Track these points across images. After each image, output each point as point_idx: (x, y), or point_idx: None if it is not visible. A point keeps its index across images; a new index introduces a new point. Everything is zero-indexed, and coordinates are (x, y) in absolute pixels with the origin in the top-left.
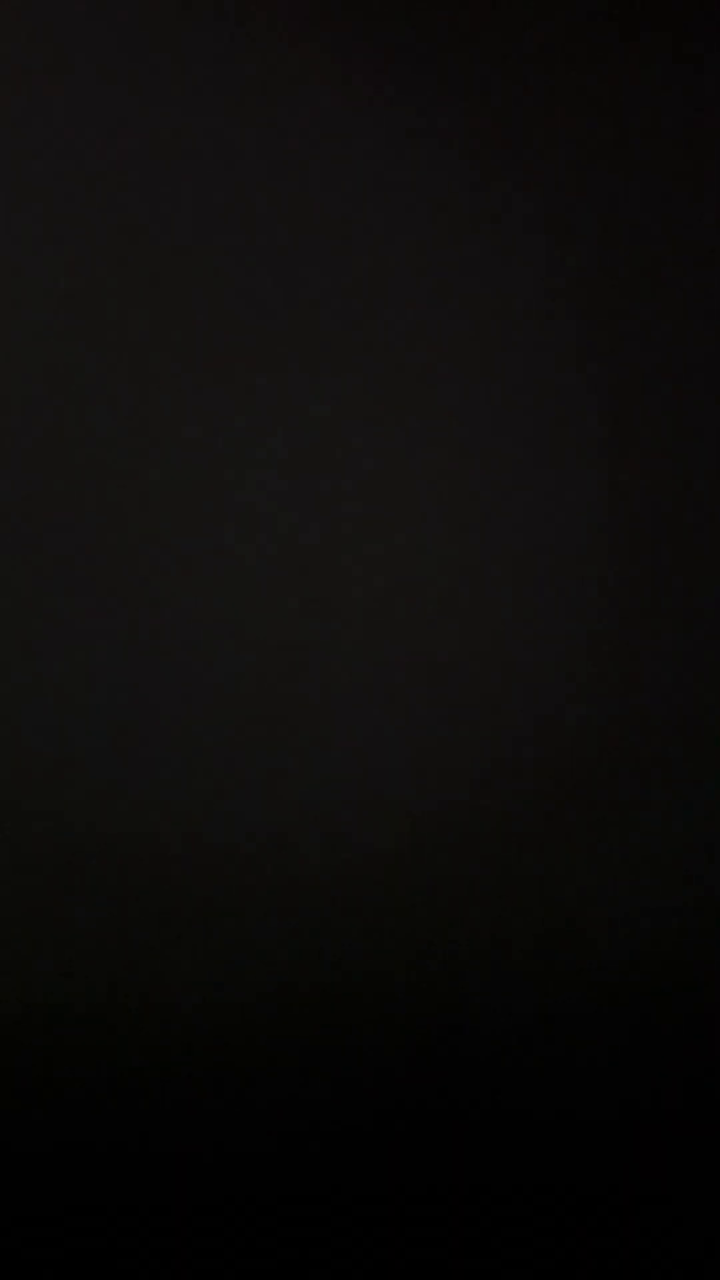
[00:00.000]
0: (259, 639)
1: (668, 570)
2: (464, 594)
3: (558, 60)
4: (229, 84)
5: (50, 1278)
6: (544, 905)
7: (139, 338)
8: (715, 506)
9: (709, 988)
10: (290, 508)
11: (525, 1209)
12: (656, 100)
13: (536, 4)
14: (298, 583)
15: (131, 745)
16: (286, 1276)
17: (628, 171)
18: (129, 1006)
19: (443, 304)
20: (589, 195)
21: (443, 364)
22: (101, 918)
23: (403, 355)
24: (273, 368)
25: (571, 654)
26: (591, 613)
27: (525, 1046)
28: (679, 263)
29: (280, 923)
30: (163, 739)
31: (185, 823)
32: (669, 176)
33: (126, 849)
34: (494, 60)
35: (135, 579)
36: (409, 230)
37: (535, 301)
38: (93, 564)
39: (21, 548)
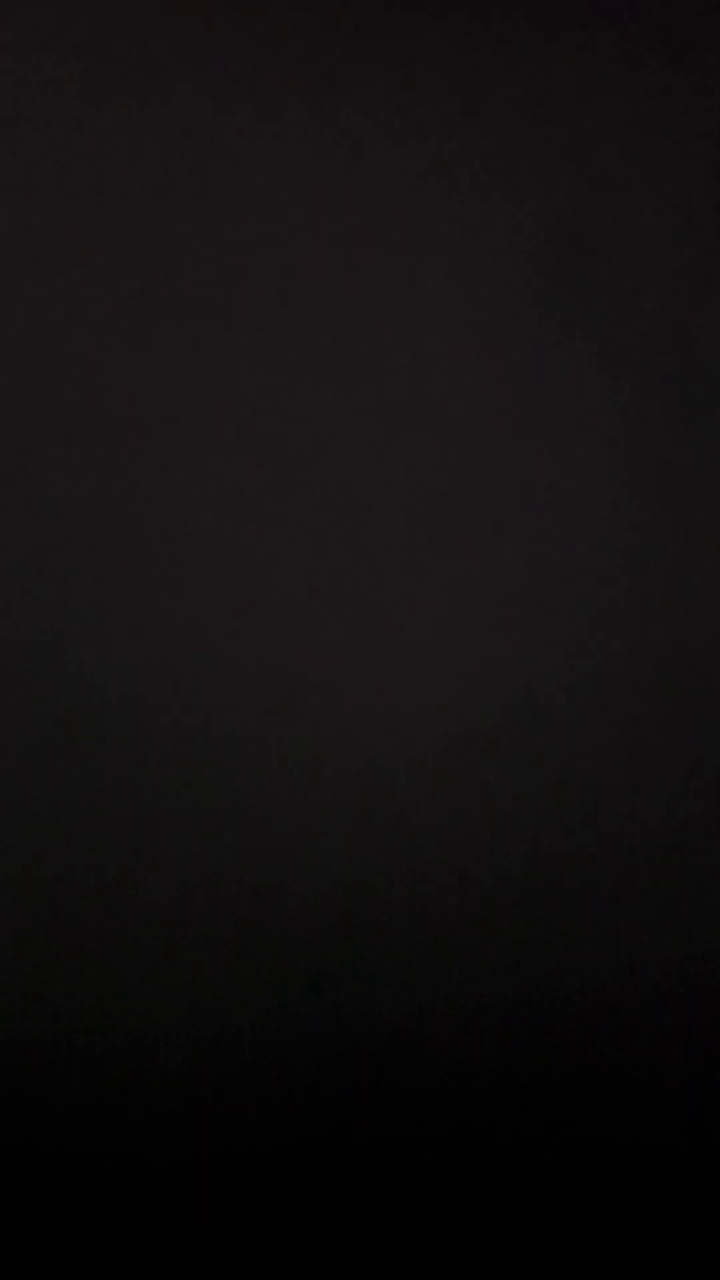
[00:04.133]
0: (252, 638)
1: (673, 551)
2: (464, 589)
3: (559, 64)
4: (228, 86)
5: (48, 1273)
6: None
7: (138, 331)
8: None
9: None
10: (287, 499)
11: (522, 1223)
12: (657, 93)
13: (535, 7)
14: (297, 569)
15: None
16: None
17: (630, 163)
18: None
19: (442, 293)
20: (590, 190)
21: (443, 351)
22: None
23: (403, 345)
24: (272, 363)
25: (572, 652)
26: (594, 602)
27: (523, 1047)
28: (683, 255)
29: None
30: (163, 728)
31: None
32: (670, 170)
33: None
34: (495, 58)
35: (133, 566)
36: (408, 225)
37: (536, 293)
38: (94, 544)
39: (23, 533)
